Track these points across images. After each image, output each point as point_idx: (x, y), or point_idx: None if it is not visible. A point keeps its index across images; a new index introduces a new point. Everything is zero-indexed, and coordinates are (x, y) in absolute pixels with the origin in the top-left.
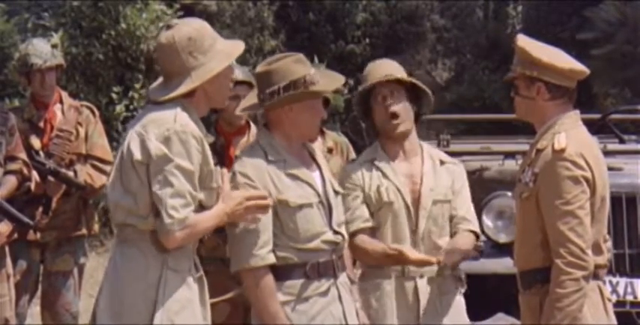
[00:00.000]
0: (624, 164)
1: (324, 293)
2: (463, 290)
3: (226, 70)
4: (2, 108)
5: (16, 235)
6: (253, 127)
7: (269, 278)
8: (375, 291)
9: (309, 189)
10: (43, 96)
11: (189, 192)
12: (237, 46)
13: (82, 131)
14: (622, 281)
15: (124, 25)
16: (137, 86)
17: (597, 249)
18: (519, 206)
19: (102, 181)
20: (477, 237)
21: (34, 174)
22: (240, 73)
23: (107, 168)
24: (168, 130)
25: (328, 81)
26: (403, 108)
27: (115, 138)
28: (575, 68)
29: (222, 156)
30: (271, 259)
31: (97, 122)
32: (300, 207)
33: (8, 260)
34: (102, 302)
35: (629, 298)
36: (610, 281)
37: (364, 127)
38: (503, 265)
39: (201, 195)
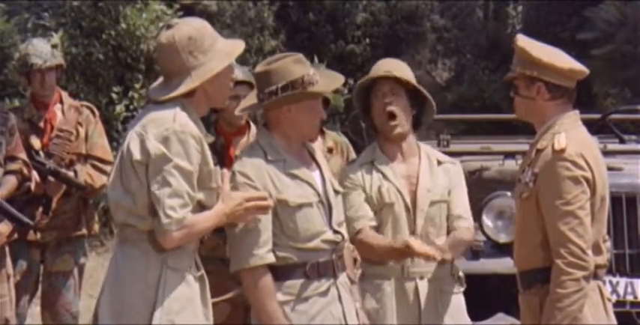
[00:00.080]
0: (624, 164)
1: (324, 293)
2: (462, 289)
3: (226, 69)
4: (2, 108)
5: (16, 235)
6: (253, 127)
7: (267, 278)
8: (375, 292)
9: (309, 188)
10: (43, 96)
11: (187, 192)
12: (238, 46)
13: (82, 131)
14: (622, 281)
15: (124, 25)
16: (137, 86)
17: (597, 249)
18: (519, 206)
19: (102, 181)
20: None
21: (34, 174)
22: (240, 73)
23: (107, 168)
24: (167, 130)
25: (327, 81)
26: (401, 109)
27: (115, 138)
28: (575, 68)
29: (222, 156)
30: (270, 258)
31: (97, 122)
32: (300, 206)
33: (8, 261)
34: (103, 302)
35: (629, 298)
36: (610, 281)
37: (364, 127)
38: (503, 265)
39: (200, 195)
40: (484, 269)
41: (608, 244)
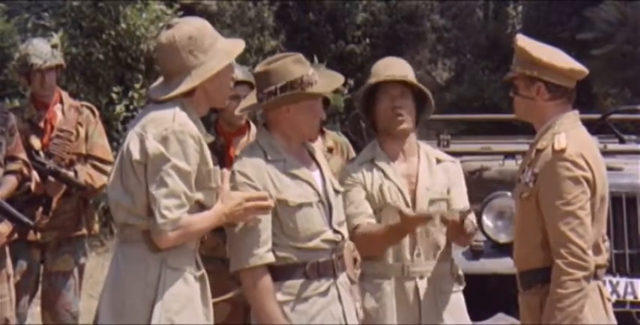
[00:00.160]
0: (624, 164)
1: (324, 293)
2: (462, 288)
3: (227, 68)
4: (2, 108)
5: (16, 235)
6: (253, 127)
7: (267, 278)
8: (375, 291)
9: (309, 188)
10: (43, 97)
11: (184, 192)
12: (238, 45)
13: (82, 131)
14: (622, 281)
15: (124, 25)
16: (137, 86)
17: (597, 249)
18: (519, 206)
19: (102, 181)
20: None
21: (34, 174)
22: (240, 73)
23: (107, 168)
24: (166, 130)
25: (326, 81)
26: (408, 112)
27: (115, 138)
28: (575, 68)
29: (223, 156)
30: (270, 258)
31: (97, 122)
32: (300, 206)
33: (8, 261)
34: (104, 302)
35: (629, 298)
36: (610, 281)
37: (364, 127)
38: (503, 265)
39: (198, 196)
40: (484, 269)
41: (607, 244)
